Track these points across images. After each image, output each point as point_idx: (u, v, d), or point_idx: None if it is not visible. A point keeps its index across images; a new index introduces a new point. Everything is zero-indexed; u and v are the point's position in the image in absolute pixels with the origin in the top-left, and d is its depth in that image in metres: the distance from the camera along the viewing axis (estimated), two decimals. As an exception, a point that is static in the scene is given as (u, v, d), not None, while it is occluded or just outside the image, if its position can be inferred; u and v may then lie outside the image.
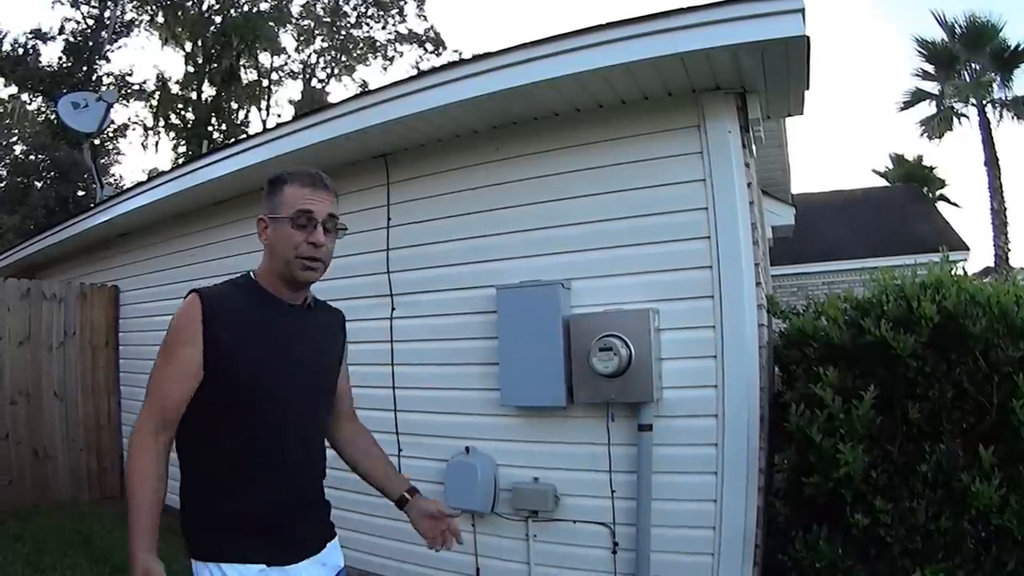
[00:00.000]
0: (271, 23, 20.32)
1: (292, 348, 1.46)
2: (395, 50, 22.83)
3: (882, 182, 19.56)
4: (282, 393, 1.42)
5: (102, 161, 20.25)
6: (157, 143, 23.27)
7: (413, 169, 3.56)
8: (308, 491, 1.51)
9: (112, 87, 17.86)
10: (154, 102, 20.11)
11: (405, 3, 22.29)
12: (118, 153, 22.35)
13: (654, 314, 2.79)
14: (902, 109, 15.43)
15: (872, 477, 2.20)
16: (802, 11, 2.32)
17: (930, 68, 14.76)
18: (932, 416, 2.20)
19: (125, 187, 11.11)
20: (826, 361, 2.40)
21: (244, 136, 7.26)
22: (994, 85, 14.00)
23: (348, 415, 1.71)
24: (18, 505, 4.87)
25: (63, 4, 18.07)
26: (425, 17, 27.35)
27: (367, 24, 22.64)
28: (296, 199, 1.41)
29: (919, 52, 14.63)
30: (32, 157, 18.20)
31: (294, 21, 21.78)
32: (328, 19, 22.20)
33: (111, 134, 20.12)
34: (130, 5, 19.15)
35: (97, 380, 5.71)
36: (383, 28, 22.66)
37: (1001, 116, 14.04)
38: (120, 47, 19.51)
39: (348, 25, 22.61)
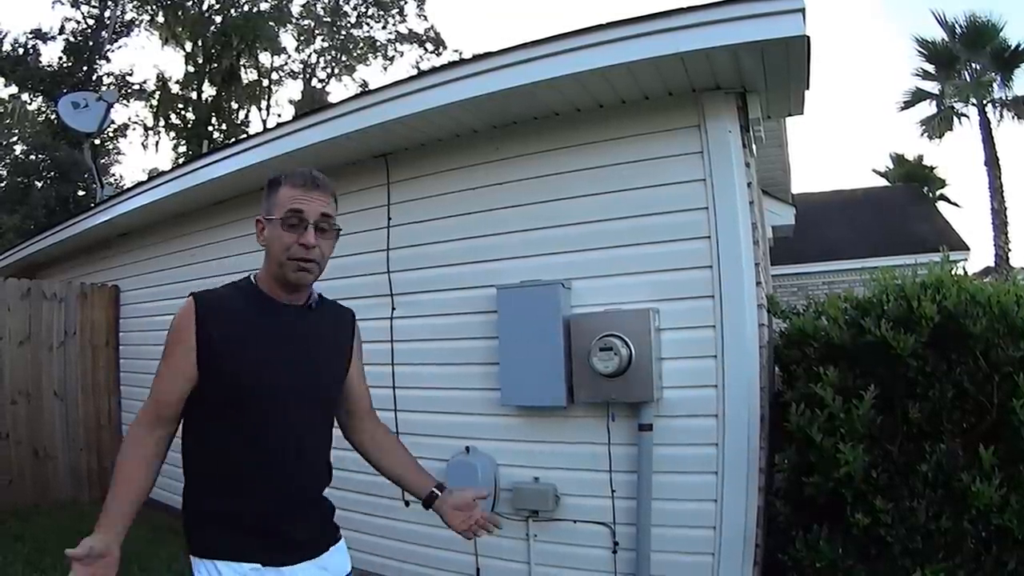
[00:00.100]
0: (271, 23, 20.34)
1: (288, 349, 1.45)
2: (395, 50, 22.88)
3: (882, 182, 19.56)
4: (278, 393, 1.41)
5: (102, 161, 20.25)
6: (157, 143, 23.30)
7: (413, 169, 3.56)
8: (306, 492, 1.49)
9: (112, 87, 17.89)
10: (154, 102, 20.14)
11: (405, 3, 22.33)
12: (118, 153, 22.37)
13: (654, 314, 2.79)
14: (902, 109, 15.44)
15: (872, 477, 2.20)
16: (802, 11, 2.32)
17: (930, 68, 14.76)
18: (932, 416, 2.20)
19: (125, 187, 11.11)
20: (826, 361, 2.40)
21: (244, 136, 7.26)
22: (994, 85, 14.00)
23: (368, 415, 1.68)
24: (18, 505, 4.87)
25: (63, 4, 18.13)
26: (425, 17, 27.45)
27: (367, 24, 22.68)
28: (288, 200, 1.41)
29: (919, 52, 14.64)
30: (32, 157, 18.17)
31: (294, 21, 21.81)
32: (328, 19, 22.21)
33: (111, 134, 20.16)
34: (130, 5, 19.19)
35: (97, 380, 5.71)
36: (383, 28, 22.71)
37: (1001, 116, 14.06)
38: (120, 47, 19.58)
39: (348, 25, 22.64)
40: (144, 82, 20.15)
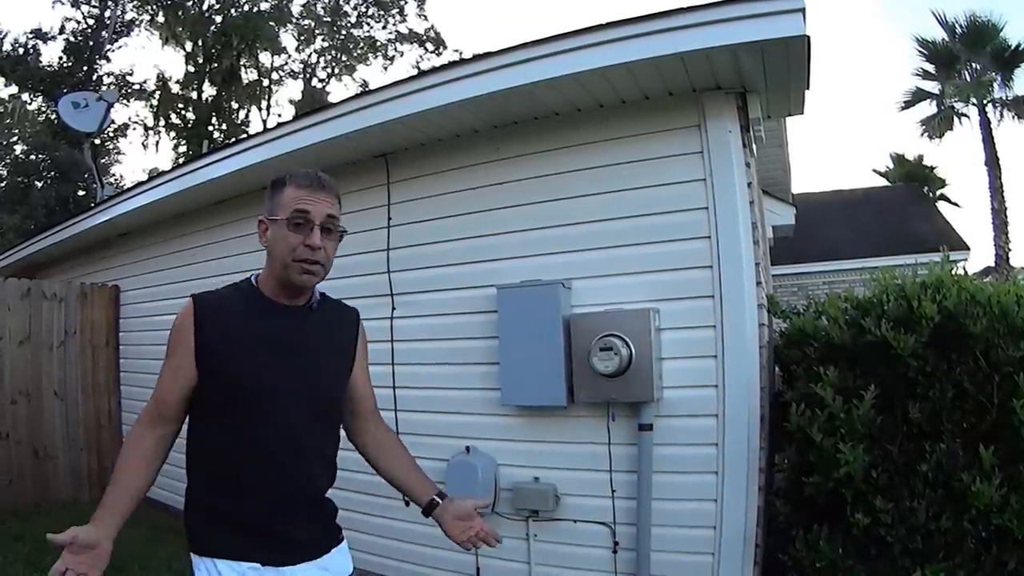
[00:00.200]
0: (271, 23, 20.33)
1: (288, 350, 1.44)
2: (395, 50, 22.87)
3: (882, 182, 19.55)
4: (277, 394, 1.41)
5: (102, 161, 20.25)
6: (157, 143, 23.24)
7: (413, 169, 3.56)
8: (306, 493, 1.48)
9: (112, 87, 17.89)
10: (154, 102, 20.14)
11: (405, 3, 22.33)
12: (118, 153, 22.37)
13: (654, 314, 2.79)
14: (902, 109, 15.45)
15: (872, 477, 2.20)
16: (802, 11, 2.32)
17: (930, 68, 14.76)
18: (932, 416, 2.20)
19: (125, 187, 11.12)
20: (826, 361, 2.40)
21: (244, 136, 7.26)
22: (994, 85, 14.02)
23: (371, 416, 1.67)
24: (18, 505, 4.87)
25: (63, 4, 18.13)
26: (425, 17, 27.44)
27: (367, 24, 22.67)
28: (293, 200, 1.39)
29: (919, 52, 14.65)
30: (32, 157, 18.18)
31: (294, 21, 21.80)
32: (328, 19, 22.21)
33: (111, 134, 20.16)
34: (130, 5, 19.19)
35: (97, 380, 5.71)
36: (383, 28, 22.70)
37: (1001, 116, 14.07)
38: (120, 47, 19.59)
39: (348, 25, 22.63)
40: (144, 82, 20.19)
